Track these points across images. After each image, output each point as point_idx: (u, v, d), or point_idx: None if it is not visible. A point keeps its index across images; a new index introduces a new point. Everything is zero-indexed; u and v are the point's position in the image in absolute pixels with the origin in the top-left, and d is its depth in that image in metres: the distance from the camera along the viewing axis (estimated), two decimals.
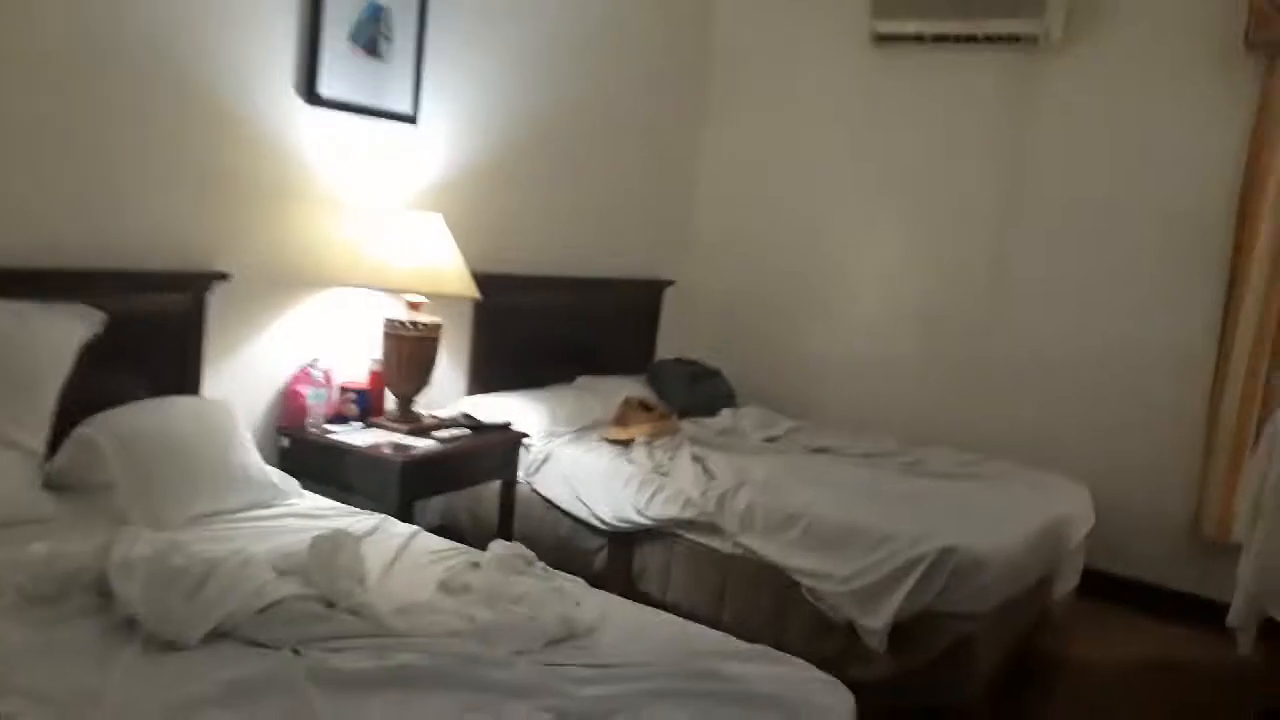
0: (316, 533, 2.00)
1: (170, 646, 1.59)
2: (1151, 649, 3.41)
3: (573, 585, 2.05)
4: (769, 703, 1.61)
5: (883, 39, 4.12)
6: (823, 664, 2.10)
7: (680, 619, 1.98)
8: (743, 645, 1.84)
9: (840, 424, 4.07)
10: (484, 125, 3.49)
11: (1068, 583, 3.26)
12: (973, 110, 4.06)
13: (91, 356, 2.29)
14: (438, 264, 2.96)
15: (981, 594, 2.56)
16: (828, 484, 3.08)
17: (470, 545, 2.31)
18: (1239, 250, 3.54)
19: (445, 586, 1.99)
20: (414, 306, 2.98)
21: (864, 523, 2.77)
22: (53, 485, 2.21)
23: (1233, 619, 2.72)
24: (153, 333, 2.55)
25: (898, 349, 4.25)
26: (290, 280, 2.92)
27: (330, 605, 1.77)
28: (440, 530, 3.14)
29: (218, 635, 1.64)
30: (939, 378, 4.17)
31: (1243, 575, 2.69)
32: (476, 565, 2.11)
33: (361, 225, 3.06)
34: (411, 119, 3.18)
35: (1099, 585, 3.63)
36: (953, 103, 4.10)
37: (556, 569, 2.17)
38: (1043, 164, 3.95)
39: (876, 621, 2.60)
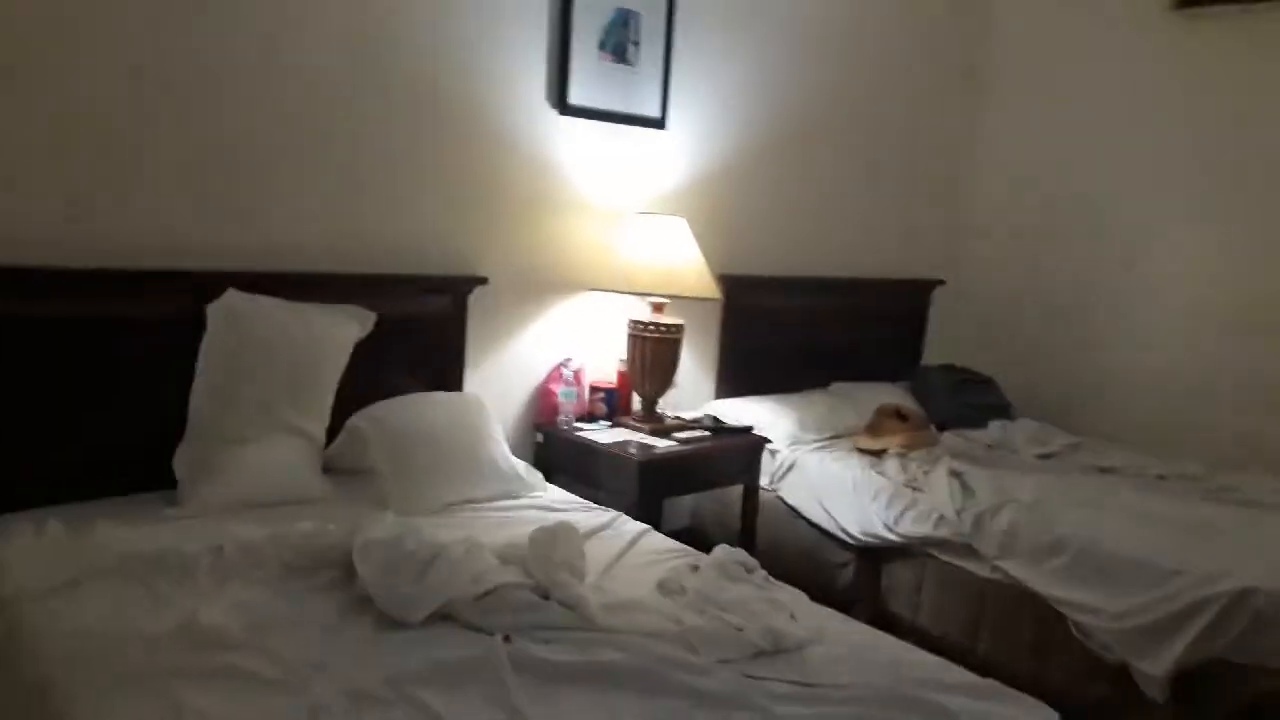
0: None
1: (396, 624, 1.71)
2: None
3: (791, 597, 1.96)
4: None
5: (1185, 4, 3.63)
6: (1092, 710, 1.86)
7: (902, 642, 1.82)
8: (969, 677, 1.66)
9: (1132, 443, 3.61)
10: (732, 125, 3.46)
11: None
12: None
13: (365, 353, 2.52)
14: (680, 266, 2.97)
15: None
16: (1106, 508, 2.75)
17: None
18: None
19: (663, 587, 1.98)
20: (657, 308, 3.02)
21: (1145, 553, 2.44)
22: (329, 469, 2.46)
23: None
24: (419, 332, 2.77)
25: (1206, 360, 3.68)
26: (544, 284, 3.07)
27: (545, 596, 1.81)
28: (686, 531, 3.17)
29: (439, 617, 1.73)
30: (1258, 395, 3.56)
31: None
32: (696, 568, 2.08)
33: (609, 229, 3.15)
34: (660, 123, 3.22)
35: None
36: (1272, 75, 3.50)
37: (799, 581, 2.09)
38: None
39: (1156, 668, 2.27)
